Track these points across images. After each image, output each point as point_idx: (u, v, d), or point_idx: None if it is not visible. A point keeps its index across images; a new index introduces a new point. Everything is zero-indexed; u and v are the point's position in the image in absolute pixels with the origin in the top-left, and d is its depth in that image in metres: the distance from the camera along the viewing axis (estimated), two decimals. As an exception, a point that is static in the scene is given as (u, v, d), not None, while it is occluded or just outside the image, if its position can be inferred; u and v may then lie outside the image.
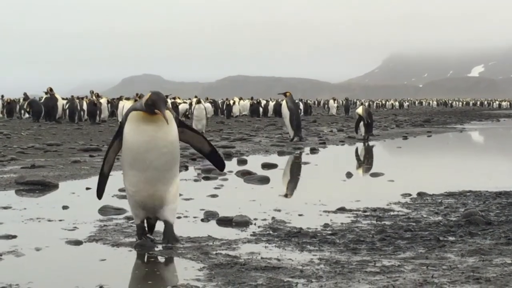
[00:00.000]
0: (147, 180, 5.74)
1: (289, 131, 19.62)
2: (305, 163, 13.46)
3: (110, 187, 9.16)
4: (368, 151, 18.01)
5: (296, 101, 32.44)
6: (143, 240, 5.82)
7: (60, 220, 6.83)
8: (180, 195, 8.67)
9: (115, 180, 10.36)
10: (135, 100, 26.49)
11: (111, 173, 11.00)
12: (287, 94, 19.89)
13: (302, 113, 40.46)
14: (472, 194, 8.74)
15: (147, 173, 5.73)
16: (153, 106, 5.66)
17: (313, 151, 16.69)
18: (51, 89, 30.67)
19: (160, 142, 5.75)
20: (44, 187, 9.25)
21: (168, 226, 5.86)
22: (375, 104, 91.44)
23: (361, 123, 21.51)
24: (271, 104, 47.00)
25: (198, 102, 24.08)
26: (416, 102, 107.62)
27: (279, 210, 7.47)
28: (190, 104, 36.09)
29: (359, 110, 22.04)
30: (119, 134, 5.83)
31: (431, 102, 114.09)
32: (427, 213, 7.29)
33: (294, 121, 19.37)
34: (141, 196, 5.78)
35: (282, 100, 20.95)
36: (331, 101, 55.42)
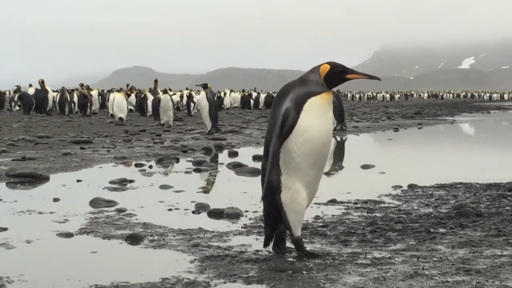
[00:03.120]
0: (318, 179, 5.01)
1: (206, 123, 18.86)
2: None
3: (100, 179, 9.20)
4: (359, 143, 18.03)
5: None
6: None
7: (51, 213, 6.82)
8: (171, 187, 8.72)
9: (105, 172, 10.39)
10: (127, 93, 26.40)
11: (101, 166, 11.08)
12: (208, 86, 19.14)
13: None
14: (463, 186, 8.75)
15: (321, 171, 5.01)
16: (344, 72, 5.01)
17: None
18: (42, 81, 30.58)
19: (331, 129, 5.07)
20: (35, 179, 9.23)
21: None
22: (366, 96, 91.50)
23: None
24: (262, 96, 46.95)
25: (165, 92, 23.29)
26: (408, 94, 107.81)
27: (270, 202, 7.46)
28: (181, 97, 36.03)
29: None
30: (287, 127, 4.86)
31: (422, 94, 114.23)
32: (418, 205, 7.30)
33: (213, 113, 18.72)
34: (310, 199, 5.03)
35: (199, 92, 20.03)
36: (322, 93, 55.21)
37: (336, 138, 18.81)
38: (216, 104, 19.81)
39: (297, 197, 4.92)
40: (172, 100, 22.63)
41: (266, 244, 5.19)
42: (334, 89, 5.53)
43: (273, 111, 5.01)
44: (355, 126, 23.53)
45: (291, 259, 4.89)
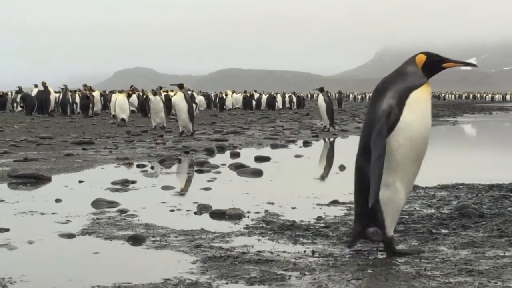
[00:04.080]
0: (415, 177, 4.97)
1: (185, 124, 18.60)
2: (298, 156, 13.46)
3: (102, 180, 9.20)
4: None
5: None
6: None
7: (53, 213, 6.82)
8: (173, 188, 8.72)
9: (107, 173, 10.39)
10: (128, 94, 26.38)
11: (103, 167, 11.08)
12: (184, 86, 18.75)
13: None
14: (465, 187, 8.74)
15: (419, 168, 4.94)
16: (441, 61, 4.95)
17: (306, 144, 16.69)
18: (45, 83, 30.63)
19: (430, 124, 4.95)
20: (36, 180, 9.23)
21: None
22: (367, 97, 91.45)
23: (325, 113, 21.45)
24: (264, 97, 46.94)
25: (154, 94, 22.69)
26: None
27: (272, 203, 7.47)
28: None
29: (322, 98, 21.71)
30: (389, 124, 4.75)
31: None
32: (420, 206, 7.29)
33: (192, 113, 18.53)
34: (406, 197, 4.97)
35: (175, 94, 19.45)
36: (324, 94, 55.20)
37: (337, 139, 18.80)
38: (192, 105, 19.57)
39: (396, 196, 4.86)
40: (162, 101, 22.16)
41: (353, 244, 5.15)
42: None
43: (371, 107, 4.92)
44: (357, 127, 23.49)
45: (293, 260, 4.88)
